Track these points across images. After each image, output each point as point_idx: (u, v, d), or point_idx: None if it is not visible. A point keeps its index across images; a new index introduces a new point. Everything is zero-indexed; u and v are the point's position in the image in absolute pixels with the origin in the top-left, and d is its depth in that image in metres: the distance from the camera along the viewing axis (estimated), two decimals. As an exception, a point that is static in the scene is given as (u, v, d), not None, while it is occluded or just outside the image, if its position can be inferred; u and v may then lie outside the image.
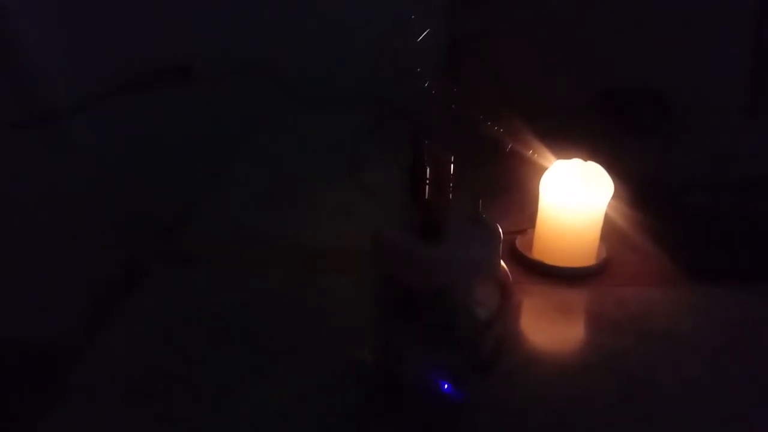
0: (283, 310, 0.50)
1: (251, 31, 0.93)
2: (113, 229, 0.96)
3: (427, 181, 0.37)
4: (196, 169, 0.78)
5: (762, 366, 0.45)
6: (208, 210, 0.67)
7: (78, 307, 0.83)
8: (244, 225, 0.64)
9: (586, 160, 0.54)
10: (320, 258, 0.57)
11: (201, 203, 0.67)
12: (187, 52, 0.94)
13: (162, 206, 0.79)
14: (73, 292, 0.87)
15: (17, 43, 0.87)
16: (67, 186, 0.91)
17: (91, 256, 0.90)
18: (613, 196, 0.54)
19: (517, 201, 0.62)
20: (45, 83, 0.90)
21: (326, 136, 0.85)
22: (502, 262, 0.39)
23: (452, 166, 0.37)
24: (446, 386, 0.38)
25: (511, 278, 0.39)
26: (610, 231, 0.58)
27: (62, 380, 0.42)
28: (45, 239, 0.88)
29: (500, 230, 0.38)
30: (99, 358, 0.45)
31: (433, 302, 0.35)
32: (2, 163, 0.84)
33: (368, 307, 0.41)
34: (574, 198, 0.53)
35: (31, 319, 0.82)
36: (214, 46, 0.93)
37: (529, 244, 0.57)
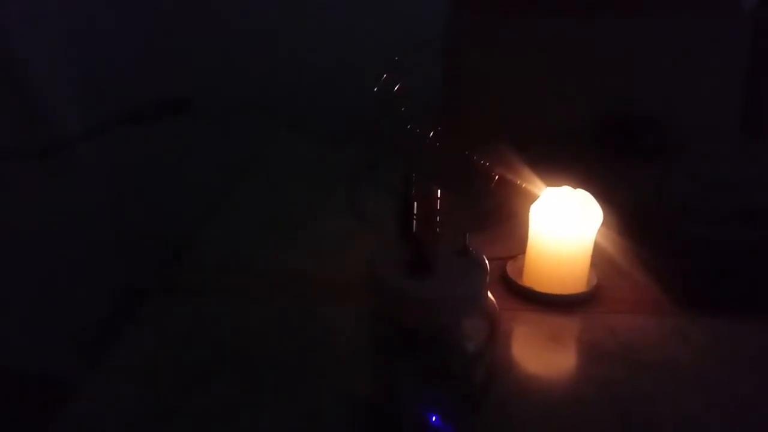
0: (281, 341, 0.51)
1: (251, 66, 0.95)
2: (113, 257, 0.96)
3: (415, 217, 0.38)
4: (195, 199, 0.79)
5: (756, 396, 0.45)
6: (207, 240, 0.68)
7: (76, 335, 0.83)
8: (244, 255, 0.65)
9: (575, 188, 0.55)
10: (319, 288, 0.58)
11: (200, 233, 0.68)
12: (188, 85, 0.95)
13: (161, 236, 0.80)
14: (72, 320, 0.87)
15: (23, 73, 0.89)
16: (68, 214, 0.92)
17: (91, 285, 0.91)
18: (605, 224, 0.55)
19: (508, 227, 0.63)
20: (49, 113, 0.92)
21: (325, 169, 0.86)
22: (490, 294, 0.40)
23: (439, 201, 0.38)
24: (439, 420, 0.38)
25: (498, 309, 0.40)
26: (601, 259, 0.59)
27: (58, 410, 0.43)
28: (45, 267, 0.89)
29: (487, 263, 0.38)
30: (96, 388, 0.45)
31: (423, 339, 0.36)
32: (4, 191, 0.86)
33: (365, 339, 0.41)
34: (563, 225, 0.53)
35: (28, 347, 0.83)
36: (214, 79, 0.95)
37: (520, 270, 0.58)
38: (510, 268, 0.59)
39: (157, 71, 0.95)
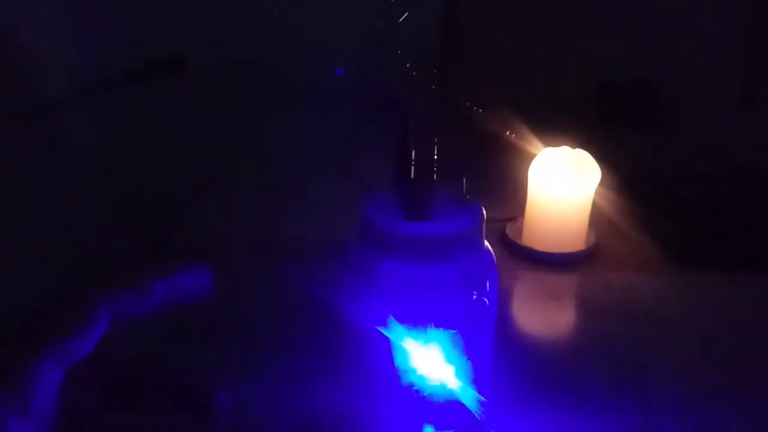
0: (277, 309, 0.50)
1: (244, 25, 0.93)
2: (106, 226, 0.96)
3: (413, 164, 0.37)
4: (190, 165, 0.78)
5: (749, 350, 0.45)
6: (203, 207, 0.67)
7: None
8: (240, 221, 0.64)
9: (574, 148, 0.55)
10: (320, 251, 0.57)
11: (195, 199, 0.68)
12: (180, 45, 0.93)
13: (155, 202, 0.79)
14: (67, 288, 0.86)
15: (6, 32, 0.87)
16: (60, 181, 0.91)
17: (85, 253, 0.90)
18: (603, 184, 0.55)
19: (507, 189, 0.62)
20: (40, 75, 0.90)
21: (321, 130, 0.85)
22: (487, 243, 0.39)
23: (436, 148, 0.37)
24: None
25: (494, 256, 0.40)
26: (599, 218, 0.59)
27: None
28: (37, 234, 0.88)
29: (484, 211, 0.38)
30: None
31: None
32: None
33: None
34: (561, 184, 0.53)
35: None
36: (206, 39, 0.93)
37: (519, 231, 0.58)
38: (510, 229, 0.58)
39: (147, 30, 0.93)
